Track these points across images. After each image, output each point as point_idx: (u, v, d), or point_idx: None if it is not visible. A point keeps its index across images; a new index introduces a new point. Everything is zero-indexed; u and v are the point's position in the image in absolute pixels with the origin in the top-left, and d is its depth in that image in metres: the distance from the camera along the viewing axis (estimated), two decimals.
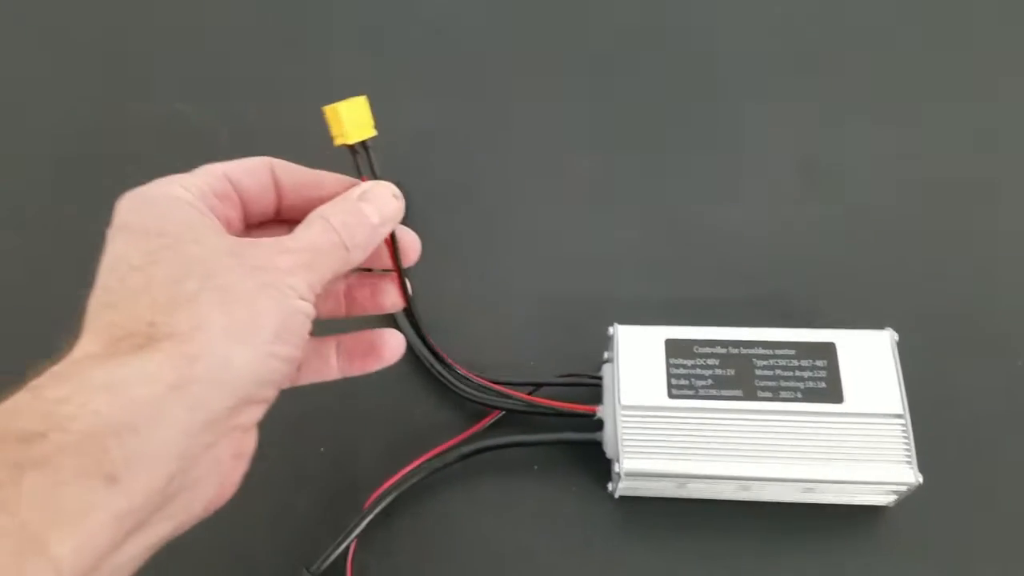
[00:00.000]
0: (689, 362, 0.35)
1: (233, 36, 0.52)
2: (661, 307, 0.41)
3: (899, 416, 0.33)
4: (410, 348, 0.40)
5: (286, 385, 0.30)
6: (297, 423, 0.39)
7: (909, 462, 0.33)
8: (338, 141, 0.27)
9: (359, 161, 0.28)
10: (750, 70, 0.49)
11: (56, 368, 0.23)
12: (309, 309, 0.26)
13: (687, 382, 0.34)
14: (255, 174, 0.28)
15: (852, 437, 0.33)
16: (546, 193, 0.45)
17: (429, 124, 0.48)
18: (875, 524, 0.35)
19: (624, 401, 0.34)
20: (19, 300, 0.43)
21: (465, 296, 0.42)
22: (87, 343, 0.23)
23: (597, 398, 0.37)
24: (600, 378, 0.37)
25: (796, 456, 0.33)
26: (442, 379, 0.39)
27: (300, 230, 0.27)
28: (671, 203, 0.44)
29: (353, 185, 0.28)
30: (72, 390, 0.21)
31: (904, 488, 0.33)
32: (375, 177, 0.28)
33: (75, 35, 0.52)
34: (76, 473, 0.20)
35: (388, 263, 0.30)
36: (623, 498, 0.36)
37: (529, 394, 0.38)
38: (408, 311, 0.40)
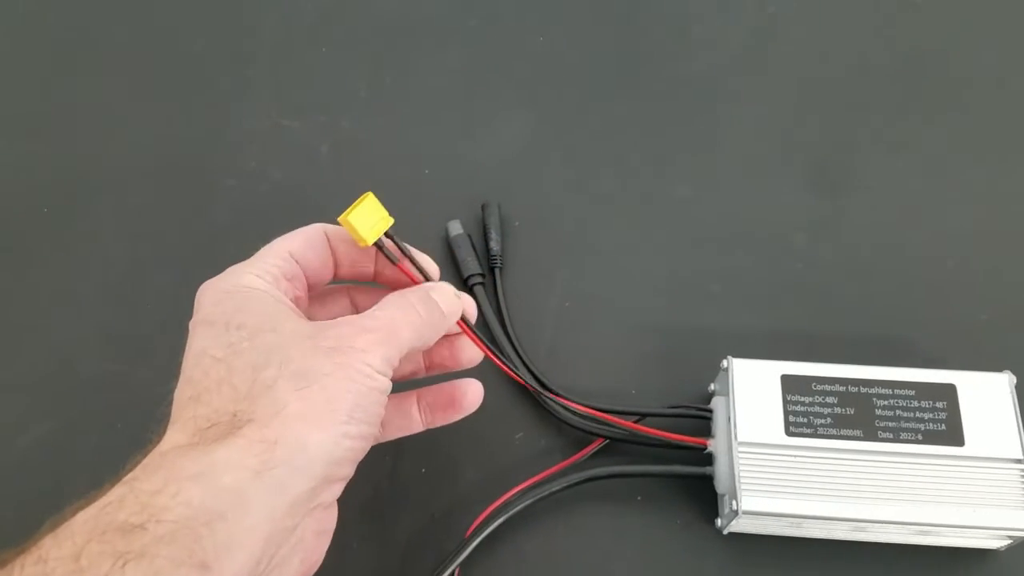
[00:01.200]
0: (807, 399, 0.34)
1: (332, 52, 0.52)
2: (765, 340, 0.41)
3: (1019, 461, 0.33)
4: (512, 369, 0.39)
5: (369, 446, 0.30)
6: (399, 445, 0.38)
7: None
8: (361, 245, 0.29)
9: (388, 251, 0.30)
10: (852, 104, 0.48)
11: (147, 460, 0.24)
12: (384, 385, 0.27)
13: (805, 420, 0.34)
14: (315, 247, 0.30)
15: (971, 481, 0.33)
16: (647, 216, 0.45)
17: (528, 142, 0.47)
18: (986, 568, 0.35)
19: (741, 437, 0.34)
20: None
21: (566, 322, 0.42)
22: (174, 434, 0.25)
23: (701, 431, 0.36)
24: (710, 411, 0.36)
25: (915, 499, 0.32)
26: (544, 405, 0.38)
27: (378, 309, 0.28)
28: (776, 235, 0.44)
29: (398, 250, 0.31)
30: (164, 481, 0.22)
31: (1020, 533, 0.33)
32: (409, 256, 0.31)
33: (179, 49, 0.52)
34: (172, 563, 0.21)
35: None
36: (731, 534, 0.35)
37: (635, 423, 0.38)
38: (508, 335, 0.40)
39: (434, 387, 0.33)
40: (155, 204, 0.46)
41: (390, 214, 0.30)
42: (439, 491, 0.37)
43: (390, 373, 0.27)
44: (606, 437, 0.37)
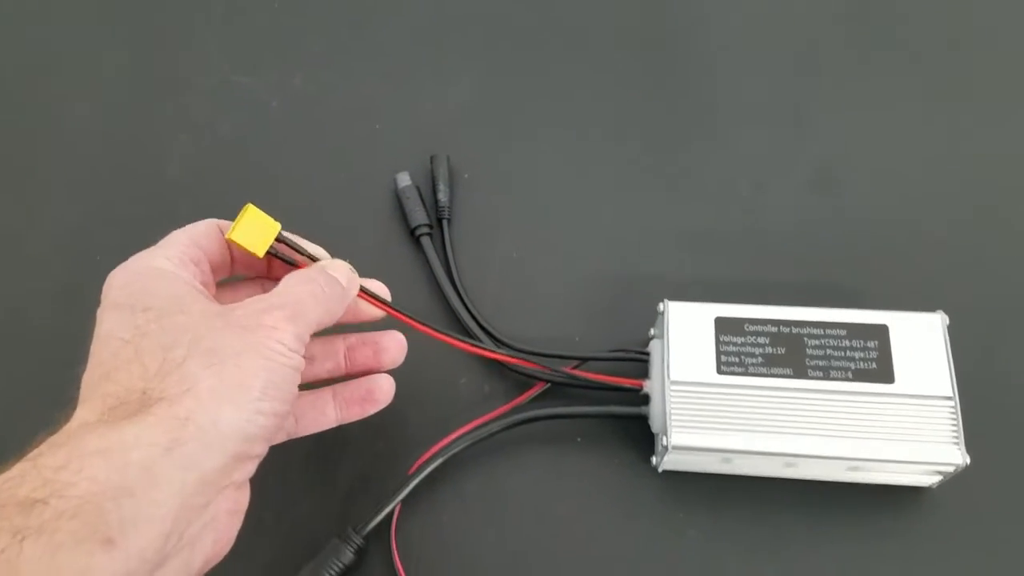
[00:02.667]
0: (739, 339, 0.35)
1: (284, 7, 0.51)
2: (707, 287, 0.41)
3: (948, 398, 0.33)
4: (457, 320, 0.40)
5: (281, 439, 0.32)
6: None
7: (957, 443, 0.33)
8: (255, 256, 0.30)
9: (284, 253, 0.31)
10: (799, 57, 0.48)
11: (53, 438, 0.24)
12: (297, 362, 0.27)
13: (737, 359, 0.34)
14: (211, 236, 0.30)
15: (901, 417, 0.33)
16: (597, 170, 0.45)
17: (479, 97, 0.47)
18: (918, 504, 0.36)
19: (673, 376, 0.34)
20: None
21: (513, 270, 0.42)
22: (83, 413, 0.25)
23: (642, 374, 0.37)
24: (647, 354, 0.37)
25: (844, 434, 0.33)
26: (488, 351, 0.39)
27: (280, 287, 0.29)
28: (721, 183, 0.44)
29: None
30: (69, 457, 0.22)
31: (951, 469, 0.33)
32: (308, 255, 0.31)
33: (130, 2, 0.52)
34: (74, 538, 0.21)
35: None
36: (666, 472, 0.36)
37: (575, 367, 0.38)
38: (454, 284, 0.41)
39: (350, 382, 0.34)
40: (105, 157, 0.46)
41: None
42: (382, 435, 0.38)
43: (302, 350, 0.27)
44: (548, 381, 0.38)
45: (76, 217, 0.44)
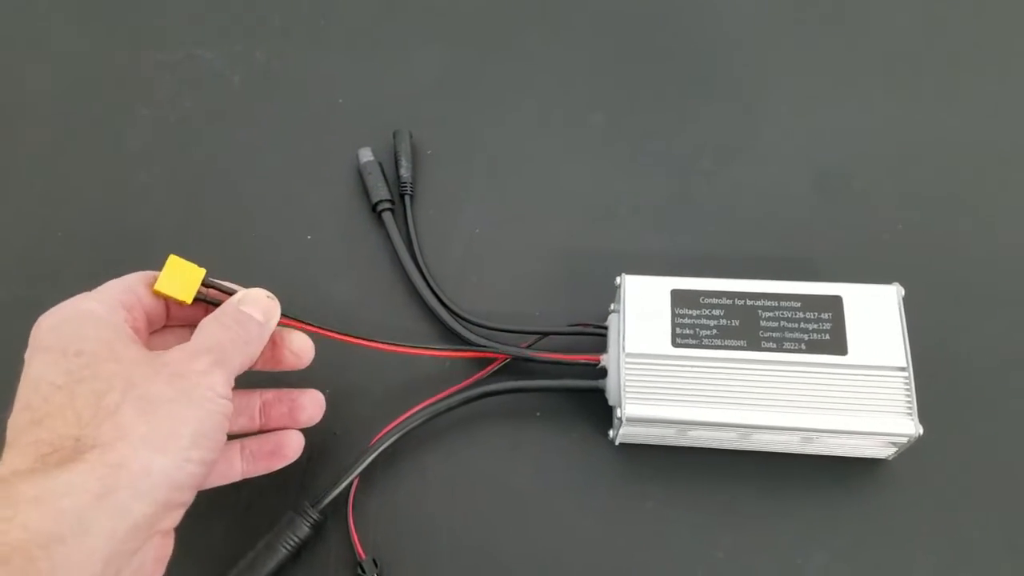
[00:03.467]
0: (694, 312, 0.35)
1: None
2: (670, 261, 0.41)
3: (902, 369, 0.34)
4: (418, 295, 0.40)
5: (209, 473, 0.31)
6: (306, 368, 0.39)
7: (910, 414, 0.33)
8: (184, 303, 0.30)
9: (213, 297, 0.31)
10: (761, 31, 0.48)
11: None
12: (227, 408, 0.27)
13: (692, 331, 0.34)
14: (147, 284, 0.30)
15: (854, 388, 0.33)
16: (560, 145, 0.45)
17: (442, 74, 0.47)
18: (874, 476, 0.36)
19: (628, 349, 0.34)
20: None
21: (476, 247, 0.42)
22: (13, 459, 0.25)
23: (602, 348, 0.37)
24: (606, 328, 0.37)
25: (797, 406, 0.33)
26: (448, 326, 0.39)
27: (198, 335, 0.29)
28: (684, 158, 0.44)
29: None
30: (2, 504, 0.23)
31: (904, 440, 0.33)
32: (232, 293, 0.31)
33: None
34: None
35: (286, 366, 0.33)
36: (623, 445, 0.36)
37: (535, 343, 0.38)
38: (415, 260, 0.41)
39: (258, 437, 0.34)
40: (69, 130, 0.46)
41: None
42: (342, 411, 0.38)
43: (229, 395, 0.28)
44: (507, 356, 0.38)
45: (39, 191, 0.44)
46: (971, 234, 0.41)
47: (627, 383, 0.34)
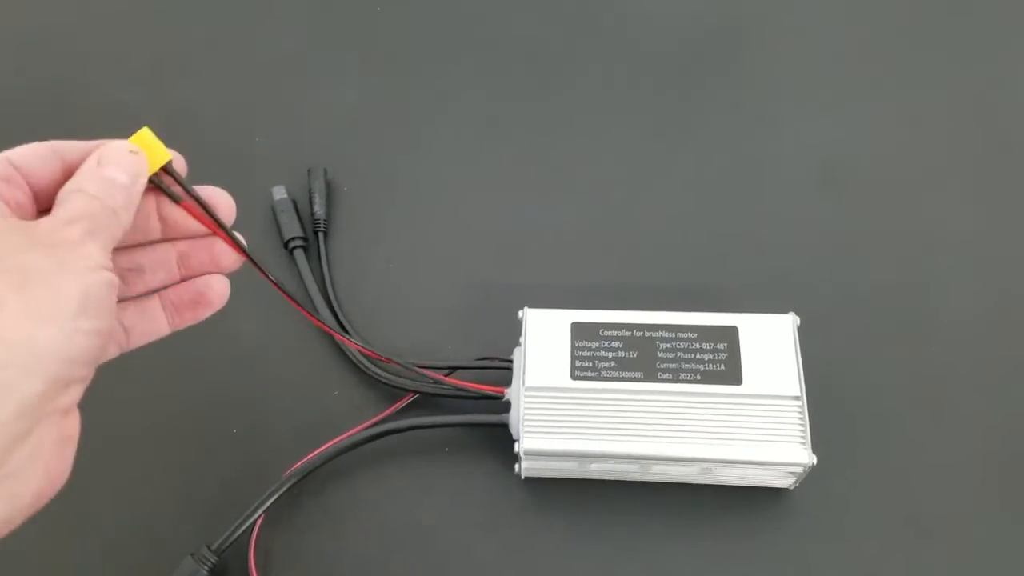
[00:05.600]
0: (594, 344, 0.35)
1: (162, 20, 0.52)
2: (580, 293, 0.41)
3: (796, 398, 0.34)
4: (326, 331, 0.40)
5: (114, 353, 0.30)
6: (210, 403, 0.39)
7: (804, 443, 0.33)
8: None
9: (168, 186, 0.28)
10: (684, 60, 0.49)
11: None
12: (109, 277, 0.25)
13: (591, 364, 0.35)
14: (41, 157, 0.27)
15: (749, 418, 0.34)
16: (474, 179, 0.46)
17: (355, 107, 0.48)
18: (777, 505, 0.36)
19: (528, 382, 0.35)
20: None
21: (390, 282, 0.42)
22: None
23: (510, 381, 0.37)
24: (511, 361, 0.37)
25: (692, 436, 0.33)
26: (356, 362, 0.39)
27: (63, 204, 0.26)
28: (594, 189, 0.45)
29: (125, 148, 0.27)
30: None
31: (799, 469, 0.34)
32: (193, 195, 0.29)
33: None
34: None
35: (200, 229, 0.30)
36: (529, 479, 0.36)
37: (445, 376, 0.38)
38: (327, 297, 0.41)
39: (177, 286, 0.31)
40: None
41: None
42: (248, 451, 0.38)
43: (110, 265, 0.25)
44: (415, 392, 0.38)
45: None
46: (867, 265, 0.42)
47: (526, 416, 0.34)
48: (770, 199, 0.44)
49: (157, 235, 0.30)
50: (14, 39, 0.51)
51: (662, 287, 0.42)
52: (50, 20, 0.52)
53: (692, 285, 0.41)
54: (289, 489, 0.35)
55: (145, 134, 0.27)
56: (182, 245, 0.31)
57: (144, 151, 0.27)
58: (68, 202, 0.26)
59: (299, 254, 0.41)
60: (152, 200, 0.29)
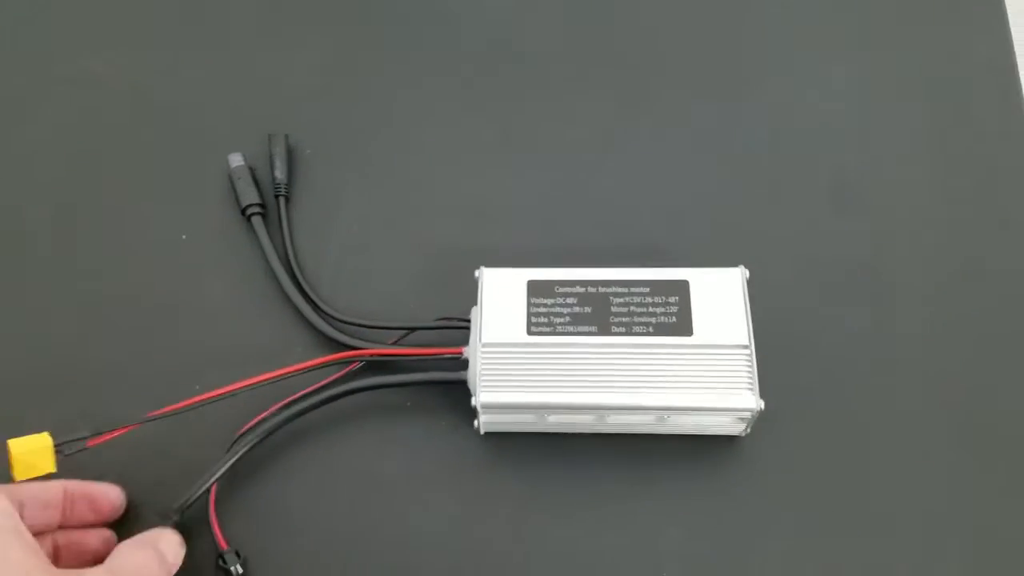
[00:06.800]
0: (549, 301, 0.36)
1: None
2: (538, 253, 0.42)
3: (745, 347, 0.35)
4: (285, 294, 0.40)
5: None
6: (177, 364, 0.39)
7: (752, 389, 0.34)
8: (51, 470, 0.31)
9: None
10: (622, 25, 0.50)
11: None
12: None
13: (546, 319, 0.36)
14: (49, 495, 0.32)
15: (700, 367, 0.35)
16: (437, 142, 0.46)
17: (315, 73, 0.48)
18: (729, 452, 0.37)
19: (485, 339, 0.35)
20: None
21: (352, 247, 0.43)
22: None
23: (469, 341, 0.38)
24: (469, 320, 0.38)
25: (646, 386, 0.34)
26: (316, 327, 0.39)
27: (116, 557, 0.30)
28: (555, 154, 0.45)
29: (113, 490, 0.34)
30: None
31: (748, 414, 0.35)
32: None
33: None
34: None
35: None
36: (489, 434, 0.37)
37: (403, 338, 0.39)
38: (287, 263, 0.41)
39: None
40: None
41: None
42: (212, 409, 0.38)
43: None
44: (373, 353, 0.38)
45: None
46: (816, 217, 0.43)
47: (482, 371, 0.35)
48: (723, 165, 0.45)
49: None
50: None
51: (614, 248, 0.42)
52: None
53: (643, 245, 0.42)
54: (251, 449, 0.36)
55: (15, 444, 0.30)
56: (71, 486, 0.34)
57: (29, 450, 0.30)
58: (123, 554, 0.31)
59: (257, 221, 0.42)
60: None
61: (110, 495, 0.35)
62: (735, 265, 0.37)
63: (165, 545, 0.32)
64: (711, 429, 0.37)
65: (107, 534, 0.35)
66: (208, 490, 0.35)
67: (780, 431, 0.37)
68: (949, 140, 0.45)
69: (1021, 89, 0.46)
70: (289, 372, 0.37)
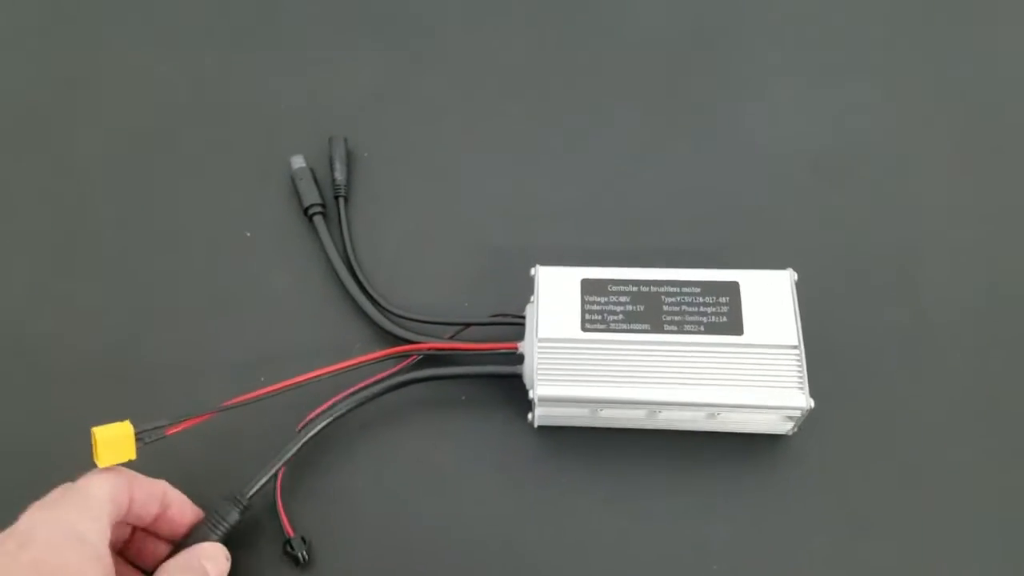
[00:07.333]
0: (603, 299, 0.37)
1: None
2: (589, 253, 0.43)
3: (794, 347, 0.36)
4: (345, 290, 0.42)
5: None
6: (241, 358, 0.41)
7: (802, 388, 0.35)
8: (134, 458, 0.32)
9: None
10: (670, 33, 0.51)
11: None
12: None
13: (600, 317, 0.37)
14: (156, 489, 0.33)
15: (751, 366, 0.36)
16: (492, 144, 0.47)
17: (373, 79, 0.50)
18: (776, 451, 0.38)
19: (542, 334, 0.37)
20: None
21: (409, 245, 0.44)
22: None
23: (523, 337, 0.39)
24: (523, 317, 0.39)
25: (697, 383, 0.35)
26: (375, 321, 0.41)
27: None
28: (602, 158, 0.47)
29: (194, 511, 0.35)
30: None
31: (798, 412, 0.36)
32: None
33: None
34: None
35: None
36: (542, 428, 0.38)
37: (458, 333, 0.40)
38: (347, 261, 0.43)
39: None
40: (14, 154, 0.48)
41: None
42: (277, 400, 0.39)
43: None
44: (431, 348, 0.40)
45: None
46: (862, 219, 0.44)
47: (539, 365, 0.36)
48: (771, 170, 0.46)
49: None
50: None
51: (665, 248, 0.43)
52: None
53: (693, 247, 0.43)
54: (314, 437, 0.37)
55: (99, 432, 0.31)
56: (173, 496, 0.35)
57: (114, 437, 0.31)
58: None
59: (318, 220, 0.43)
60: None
61: (189, 515, 0.35)
62: (783, 267, 0.38)
63: (209, 561, 0.33)
64: (759, 427, 0.38)
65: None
66: (275, 476, 0.36)
67: (823, 430, 0.38)
68: (986, 141, 0.46)
69: None
70: (351, 365, 0.38)
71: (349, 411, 0.38)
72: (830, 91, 0.48)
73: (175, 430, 0.34)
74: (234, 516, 0.35)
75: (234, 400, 0.35)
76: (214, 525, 0.34)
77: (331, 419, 0.37)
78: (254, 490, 0.35)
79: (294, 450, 0.36)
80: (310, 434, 0.37)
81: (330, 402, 0.37)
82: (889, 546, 0.36)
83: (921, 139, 0.46)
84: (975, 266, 0.43)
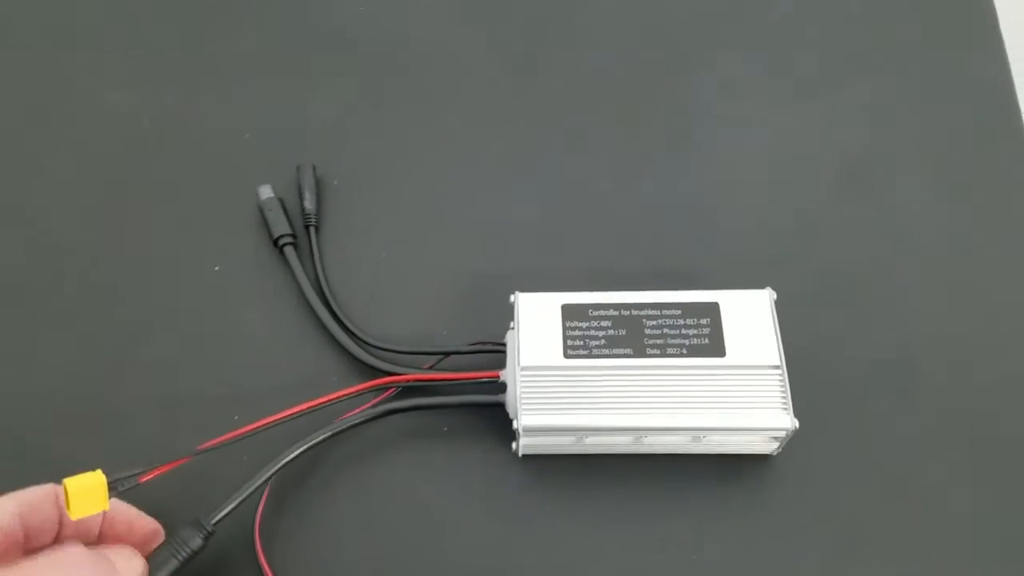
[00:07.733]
0: (584, 324, 0.37)
1: (152, 22, 0.52)
2: (569, 278, 0.43)
3: (776, 367, 0.36)
4: (320, 322, 0.41)
5: None
6: (213, 393, 0.40)
7: (786, 408, 0.35)
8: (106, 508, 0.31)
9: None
10: (644, 56, 0.51)
11: None
12: None
13: (582, 343, 0.36)
14: (41, 509, 0.30)
15: (734, 387, 0.36)
16: (463, 170, 0.47)
17: (342, 105, 0.49)
18: (761, 471, 0.38)
19: (523, 362, 0.36)
20: None
21: (384, 273, 0.44)
22: None
23: (503, 364, 0.39)
24: (504, 344, 0.39)
25: (682, 406, 0.35)
26: (352, 353, 0.40)
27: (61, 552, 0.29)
28: (578, 181, 0.46)
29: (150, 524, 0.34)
30: None
31: (783, 433, 0.36)
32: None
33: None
34: None
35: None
36: (526, 456, 0.38)
37: (438, 363, 0.40)
38: (320, 290, 0.42)
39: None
40: None
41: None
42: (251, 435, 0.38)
43: None
44: (410, 379, 0.39)
45: None
46: (839, 240, 0.45)
47: (523, 394, 0.35)
48: (747, 189, 0.46)
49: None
50: None
51: (643, 271, 0.43)
52: (39, 22, 0.52)
53: (671, 269, 0.43)
54: (292, 467, 0.36)
55: (71, 483, 0.30)
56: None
57: (86, 487, 0.30)
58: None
59: (289, 251, 0.42)
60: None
61: (148, 527, 0.34)
62: (762, 287, 0.38)
63: (122, 561, 0.31)
64: (744, 448, 0.38)
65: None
66: (253, 504, 0.35)
67: (809, 449, 0.38)
68: (969, 155, 0.47)
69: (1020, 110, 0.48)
70: (328, 400, 0.37)
71: (325, 439, 0.36)
72: (806, 109, 0.49)
73: (149, 477, 0.32)
74: (196, 541, 0.33)
75: (208, 444, 0.34)
76: (176, 550, 0.33)
77: (307, 446, 0.36)
78: (219, 516, 0.34)
79: (264, 477, 0.35)
80: (283, 462, 0.35)
81: (315, 441, 0.36)
82: (877, 562, 0.36)
83: (900, 156, 0.47)
84: (957, 282, 0.43)
